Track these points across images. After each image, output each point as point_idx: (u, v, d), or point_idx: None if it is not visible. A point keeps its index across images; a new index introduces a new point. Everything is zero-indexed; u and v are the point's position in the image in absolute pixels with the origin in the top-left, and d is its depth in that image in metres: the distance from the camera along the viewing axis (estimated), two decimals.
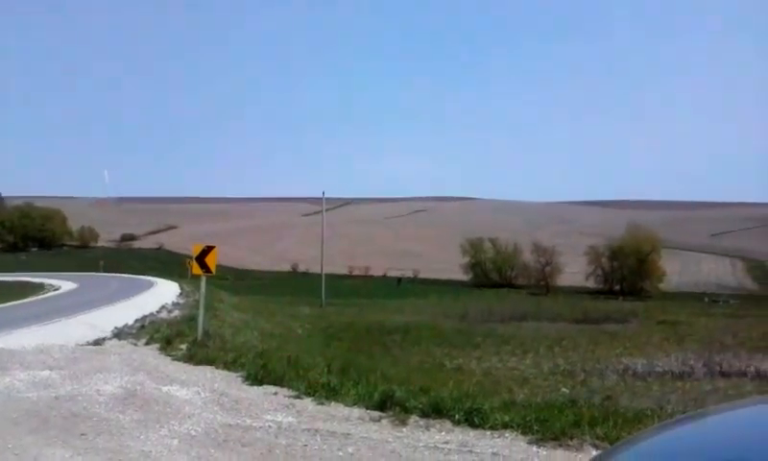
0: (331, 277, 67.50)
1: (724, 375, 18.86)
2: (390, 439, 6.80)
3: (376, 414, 7.79)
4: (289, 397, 8.83)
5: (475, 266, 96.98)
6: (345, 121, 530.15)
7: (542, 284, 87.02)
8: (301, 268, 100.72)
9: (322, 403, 8.43)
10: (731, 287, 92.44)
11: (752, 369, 19.23)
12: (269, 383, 9.65)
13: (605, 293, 77.42)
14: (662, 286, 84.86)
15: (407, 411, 7.73)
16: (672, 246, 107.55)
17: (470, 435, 6.87)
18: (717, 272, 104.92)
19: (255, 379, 9.90)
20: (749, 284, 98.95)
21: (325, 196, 59.23)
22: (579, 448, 6.21)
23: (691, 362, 20.10)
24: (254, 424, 7.43)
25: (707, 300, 68.05)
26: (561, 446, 6.36)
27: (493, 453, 6.20)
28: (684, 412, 6.72)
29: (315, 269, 70.41)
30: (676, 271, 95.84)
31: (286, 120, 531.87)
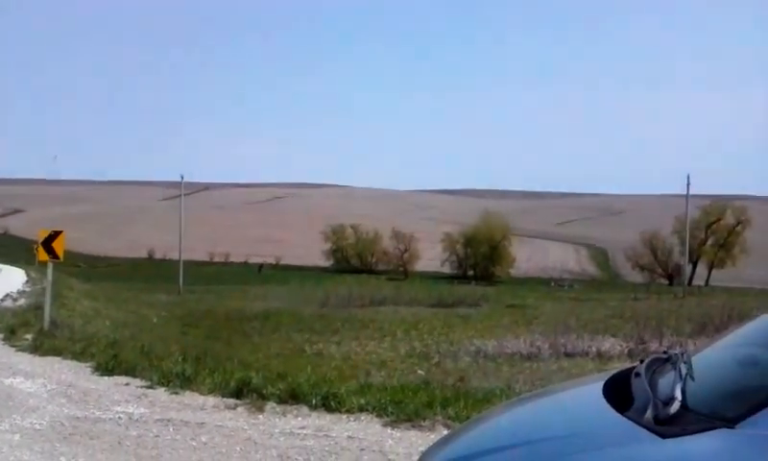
0: (190, 263, 65.74)
1: (568, 355, 19.99)
2: (245, 426, 6.78)
3: (232, 402, 7.73)
4: (141, 387, 8.58)
5: (336, 252, 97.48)
6: (205, 104, 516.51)
7: (401, 270, 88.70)
8: (158, 254, 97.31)
9: (176, 393, 8.25)
10: (575, 273, 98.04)
11: (593, 349, 20.49)
12: (120, 374, 9.32)
13: (459, 278, 79.92)
14: (513, 272, 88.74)
15: (264, 398, 7.70)
16: (522, 233, 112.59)
17: (327, 420, 6.96)
18: (563, 258, 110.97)
19: (106, 370, 9.53)
20: (591, 270, 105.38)
21: (184, 180, 57.58)
22: (431, 429, 6.45)
23: (538, 344, 21.11)
24: (104, 416, 7.18)
25: (553, 284, 71.73)
26: (414, 427, 6.58)
27: (349, 437, 6.32)
28: (530, 390, 7.13)
29: (173, 255, 68.40)
30: (525, 257, 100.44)
31: (143, 101, 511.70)
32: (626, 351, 19.08)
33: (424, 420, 6.68)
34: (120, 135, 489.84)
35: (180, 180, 57.22)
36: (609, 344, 21.01)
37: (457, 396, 7.61)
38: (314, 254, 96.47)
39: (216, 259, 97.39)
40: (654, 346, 18.28)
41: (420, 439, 6.07)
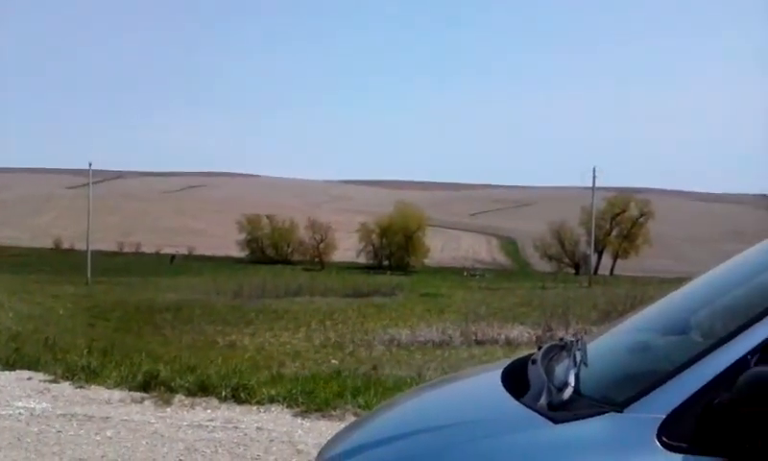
0: (99, 254, 63.77)
1: (479, 342, 20.48)
2: (152, 420, 6.63)
3: (139, 395, 7.54)
4: (44, 381, 8.26)
5: (252, 243, 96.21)
6: (118, 91, 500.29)
7: (317, 260, 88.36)
8: (66, 244, 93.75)
9: (81, 387, 7.98)
10: (486, 262, 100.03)
11: (502, 336, 21.06)
12: (22, 368, 8.94)
13: (375, 268, 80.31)
14: (427, 261, 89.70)
15: (172, 391, 7.55)
16: (436, 224, 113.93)
17: (236, 411, 6.89)
18: (474, 248, 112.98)
19: (7, 364, 9.12)
20: (502, 260, 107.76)
21: (93, 168, 55.64)
22: (341, 418, 6.46)
23: (450, 332, 21.55)
24: (3, 413, 6.88)
25: (465, 274, 72.91)
26: (324, 416, 6.59)
27: (258, 428, 6.28)
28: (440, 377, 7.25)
29: (81, 246, 66.02)
30: (439, 247, 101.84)
31: (52, 86, 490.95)
32: (534, 338, 19.62)
33: (335, 409, 6.71)
34: (23, 121, 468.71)
35: (88, 167, 55.21)
36: (517, 331, 21.64)
37: (368, 384, 7.67)
38: (228, 244, 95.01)
39: (126, 250, 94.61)
40: (560, 333, 18.87)
41: (330, 428, 6.07)
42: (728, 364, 1.79)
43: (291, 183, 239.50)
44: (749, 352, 1.79)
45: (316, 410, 6.72)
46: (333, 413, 6.64)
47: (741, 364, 1.77)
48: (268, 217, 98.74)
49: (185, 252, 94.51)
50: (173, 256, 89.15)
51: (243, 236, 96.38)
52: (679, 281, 3.02)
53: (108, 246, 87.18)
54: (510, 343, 19.81)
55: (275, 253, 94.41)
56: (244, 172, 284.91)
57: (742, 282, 2.51)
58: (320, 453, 2.56)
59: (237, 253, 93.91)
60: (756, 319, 1.85)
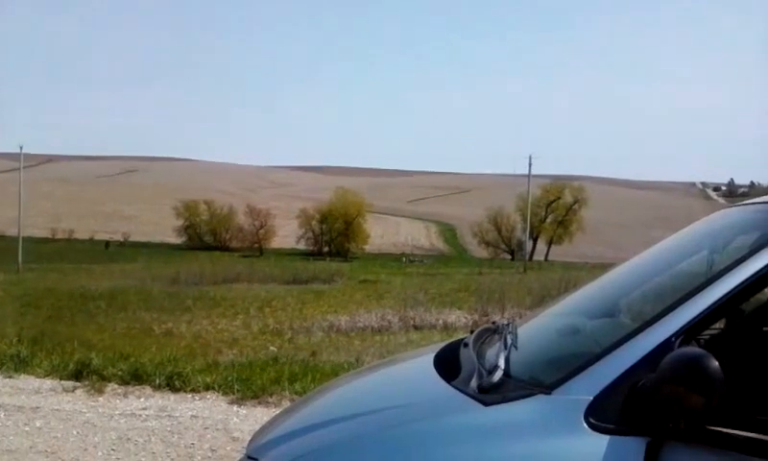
0: (30, 240, 61.97)
1: (417, 327, 20.64)
2: (84, 409, 6.48)
3: (71, 384, 7.36)
4: None
5: (189, 229, 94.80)
6: (50, 73, 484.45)
7: (256, 247, 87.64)
8: None
9: (9, 377, 7.73)
10: (425, 248, 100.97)
11: (440, 321, 21.29)
12: None
13: (314, 255, 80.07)
14: (367, 248, 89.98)
15: (105, 379, 7.39)
16: (376, 210, 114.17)
17: (171, 399, 6.80)
18: (414, 234, 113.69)
19: None
20: (440, 246, 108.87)
21: (24, 151, 53.86)
22: (278, 404, 6.43)
23: (389, 317, 21.66)
24: None
25: (404, 260, 73.40)
26: (260, 403, 6.56)
27: (193, 416, 6.20)
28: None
29: (11, 232, 63.91)
30: (378, 233, 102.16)
31: None
32: (471, 322, 19.86)
33: (271, 396, 6.68)
34: None
35: (19, 151, 53.44)
36: (455, 316, 21.90)
37: (305, 370, 7.65)
38: (165, 230, 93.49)
39: (59, 236, 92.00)
40: (497, 317, 19.16)
41: (266, 415, 6.04)
42: (652, 346, 1.83)
43: (229, 169, 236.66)
44: (673, 335, 1.83)
45: (252, 397, 6.67)
46: (270, 400, 6.61)
47: (665, 346, 1.81)
48: (206, 203, 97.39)
49: (120, 238, 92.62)
50: (107, 243, 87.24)
51: (180, 222, 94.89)
52: (609, 266, 3.08)
53: (41, 232, 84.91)
54: (447, 328, 20.02)
55: (212, 239, 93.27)
56: (181, 156, 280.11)
57: (668, 266, 2.58)
58: (250, 441, 2.54)
59: (174, 239, 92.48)
60: (680, 302, 1.90)
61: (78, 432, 5.86)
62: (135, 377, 7.40)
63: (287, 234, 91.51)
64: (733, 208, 2.84)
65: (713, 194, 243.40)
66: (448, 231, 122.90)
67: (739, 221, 2.60)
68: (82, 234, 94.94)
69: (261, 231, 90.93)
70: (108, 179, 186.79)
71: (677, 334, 1.83)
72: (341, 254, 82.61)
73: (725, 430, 1.69)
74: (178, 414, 6.28)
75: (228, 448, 5.45)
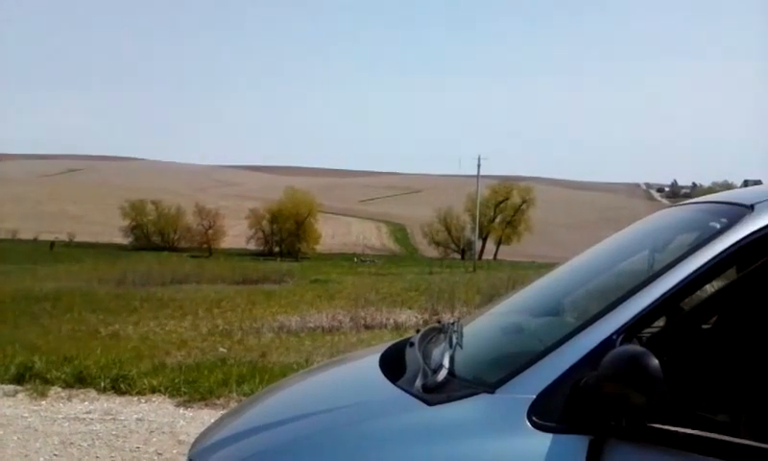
0: None
1: (368, 327, 20.58)
2: (26, 414, 6.32)
3: (12, 388, 7.17)
4: None
5: (136, 229, 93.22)
6: None
7: (205, 247, 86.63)
8: None
9: None
10: (376, 248, 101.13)
11: (391, 321, 21.28)
12: None
13: (265, 255, 79.47)
14: (318, 248, 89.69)
15: (48, 383, 7.25)
16: (327, 210, 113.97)
17: (116, 403, 6.68)
18: (365, 234, 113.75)
19: None
20: (391, 246, 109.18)
21: None
22: (225, 406, 6.36)
23: (340, 317, 21.56)
24: None
25: (356, 260, 73.41)
26: (207, 405, 6.48)
27: (138, 419, 6.10)
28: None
29: None
30: (330, 234, 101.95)
31: None
32: (421, 321, 19.92)
33: (219, 398, 6.61)
34: None
35: None
36: (405, 316, 21.91)
37: (253, 372, 7.59)
38: (112, 230, 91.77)
39: (2, 236, 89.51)
40: (447, 316, 19.25)
41: (214, 417, 5.96)
42: (594, 344, 1.85)
43: (176, 168, 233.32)
44: (614, 333, 1.85)
45: (199, 399, 6.59)
46: (217, 402, 6.54)
47: (607, 344, 1.83)
48: (153, 203, 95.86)
49: (66, 238, 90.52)
50: (52, 243, 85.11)
51: (127, 222, 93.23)
52: (555, 265, 3.12)
53: None
54: (398, 327, 20.01)
55: (160, 239, 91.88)
56: (127, 155, 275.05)
57: (611, 265, 2.62)
58: (193, 445, 2.50)
59: (121, 239, 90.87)
60: (622, 300, 1.92)
61: (19, 438, 5.71)
62: (80, 380, 7.26)
63: (237, 234, 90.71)
64: (674, 208, 2.90)
65: (657, 195, 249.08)
66: (399, 232, 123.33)
67: (679, 220, 2.65)
68: (25, 234, 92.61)
69: (210, 232, 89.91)
70: (52, 178, 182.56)
71: (618, 332, 1.85)
72: (292, 254, 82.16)
73: (665, 427, 1.71)
74: (123, 417, 6.17)
75: (175, 452, 5.37)
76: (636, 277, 2.07)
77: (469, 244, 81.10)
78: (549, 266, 3.23)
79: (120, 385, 7.05)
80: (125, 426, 5.93)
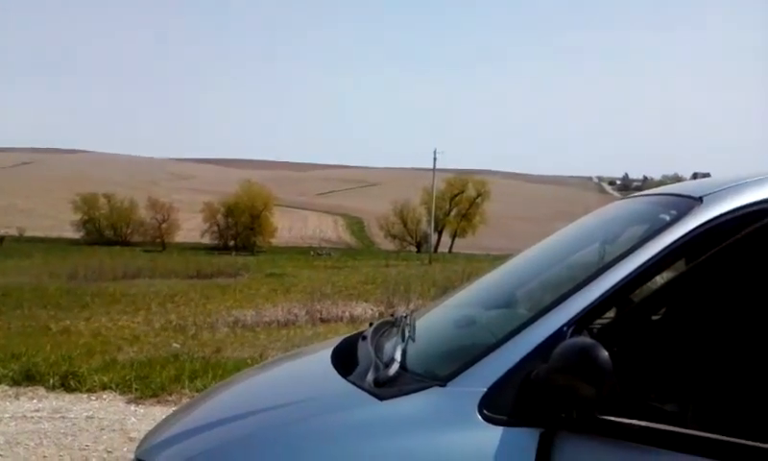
0: None
1: (324, 321, 20.53)
2: None
3: None
4: None
5: (88, 223, 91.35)
6: None
7: (159, 241, 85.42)
8: None
9: None
10: (333, 241, 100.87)
11: (347, 314, 21.25)
12: None
13: (220, 249, 78.65)
14: (274, 241, 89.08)
15: None
16: (283, 204, 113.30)
17: (66, 400, 6.55)
18: (321, 227, 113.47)
19: None
20: (348, 239, 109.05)
21: None
22: (178, 403, 6.28)
23: (295, 311, 21.46)
24: None
25: (312, 253, 73.08)
26: (159, 402, 6.39)
27: (88, 417, 5.98)
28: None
29: None
30: (286, 227, 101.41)
31: None
32: (377, 314, 19.94)
33: (171, 394, 6.53)
34: None
35: None
36: (361, 308, 21.92)
37: (206, 367, 7.50)
38: (63, 225, 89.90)
39: None
40: (402, 309, 19.30)
41: (165, 414, 5.88)
42: (544, 336, 1.85)
43: (128, 160, 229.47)
44: (564, 324, 1.86)
45: (151, 396, 6.50)
46: (169, 398, 6.46)
47: (557, 336, 1.83)
48: (105, 196, 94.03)
49: (15, 233, 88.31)
50: (2, 238, 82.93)
51: (78, 217, 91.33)
52: (508, 257, 3.12)
53: None
54: (354, 320, 19.99)
55: (113, 234, 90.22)
56: (78, 148, 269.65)
57: (564, 257, 2.63)
58: (141, 443, 2.44)
59: (72, 234, 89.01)
60: (572, 292, 1.93)
61: None
62: (28, 378, 7.13)
63: (191, 228, 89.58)
64: (625, 201, 2.92)
65: (608, 188, 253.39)
66: (356, 225, 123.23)
67: (630, 213, 2.67)
68: None
69: (164, 226, 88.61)
70: (2, 171, 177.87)
71: (568, 324, 1.86)
72: (247, 248, 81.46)
73: (615, 419, 1.71)
74: (72, 415, 6.05)
75: (125, 449, 5.28)
76: (586, 269, 2.08)
77: (425, 237, 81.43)
78: (503, 258, 3.23)
79: (70, 382, 6.92)
80: (74, 424, 5.81)
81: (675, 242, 1.94)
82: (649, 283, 2.08)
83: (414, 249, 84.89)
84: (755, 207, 1.96)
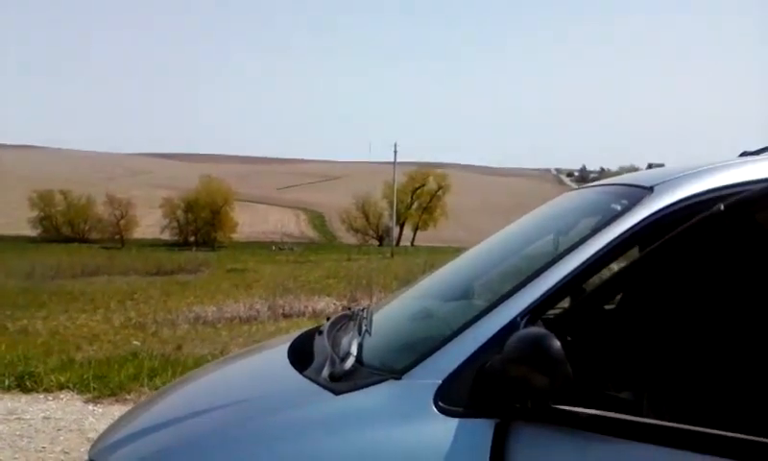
0: None
1: (286, 316, 20.47)
2: None
3: None
4: None
5: (44, 220, 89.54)
6: None
7: (117, 238, 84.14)
8: None
9: None
10: (294, 236, 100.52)
11: (309, 309, 21.22)
12: None
13: (180, 245, 77.74)
14: (235, 237, 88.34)
15: None
16: (243, 198, 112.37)
17: (22, 401, 6.43)
18: (283, 222, 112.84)
19: None
20: (310, 233, 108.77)
21: None
22: (136, 401, 6.21)
23: (257, 306, 21.36)
24: None
25: (274, 248, 72.75)
26: (118, 401, 6.32)
27: (45, 417, 5.88)
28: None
29: None
30: (247, 222, 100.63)
31: None
32: (339, 308, 19.94)
33: (129, 393, 6.45)
34: None
35: None
36: (324, 303, 21.89)
37: (166, 365, 7.43)
38: (19, 222, 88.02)
39: None
40: (365, 303, 19.29)
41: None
42: (499, 327, 1.86)
43: (83, 156, 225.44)
44: (518, 315, 1.87)
45: (109, 395, 6.42)
46: (128, 397, 6.38)
47: (511, 326, 1.85)
48: (62, 192, 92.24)
49: None
50: None
51: (34, 214, 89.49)
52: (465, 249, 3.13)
53: None
54: (316, 315, 19.96)
55: (70, 231, 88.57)
56: (32, 143, 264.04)
57: (520, 248, 2.65)
58: (93, 444, 2.40)
59: (29, 231, 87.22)
60: (525, 282, 1.95)
61: None
62: None
63: (150, 224, 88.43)
64: (578, 191, 2.95)
65: (566, 179, 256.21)
66: (317, 219, 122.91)
67: (583, 203, 2.70)
68: None
69: (122, 222, 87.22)
70: None
71: (522, 314, 1.87)
72: (207, 243, 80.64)
73: (569, 409, 1.73)
74: (28, 416, 5.94)
75: (82, 450, 5.19)
76: (541, 259, 2.09)
77: (387, 230, 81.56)
78: (463, 250, 3.25)
79: (26, 383, 6.80)
80: (30, 426, 5.71)
81: (626, 232, 1.97)
82: (602, 273, 2.10)
83: (376, 242, 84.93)
84: (705, 196, 1.99)
